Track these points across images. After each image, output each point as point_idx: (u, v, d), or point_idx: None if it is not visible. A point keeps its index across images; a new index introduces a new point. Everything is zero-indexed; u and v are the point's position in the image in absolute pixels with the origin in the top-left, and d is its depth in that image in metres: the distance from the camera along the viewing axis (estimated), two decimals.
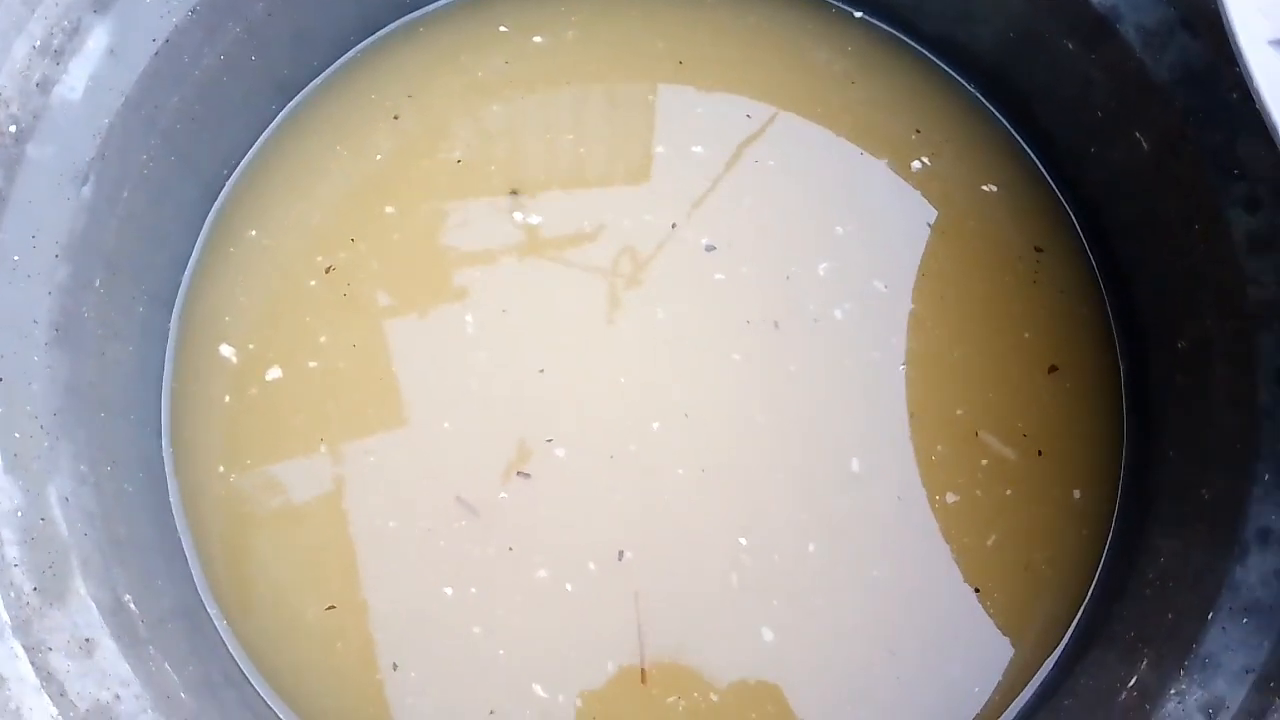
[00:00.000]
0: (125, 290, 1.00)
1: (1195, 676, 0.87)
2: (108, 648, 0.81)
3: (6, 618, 0.75)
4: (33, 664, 0.75)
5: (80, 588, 0.82)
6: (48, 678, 0.76)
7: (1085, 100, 1.12)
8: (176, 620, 0.94)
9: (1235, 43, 0.83)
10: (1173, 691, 0.87)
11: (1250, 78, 0.82)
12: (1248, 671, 0.84)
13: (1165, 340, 1.08)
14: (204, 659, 0.94)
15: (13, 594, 0.77)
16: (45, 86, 0.89)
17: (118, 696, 0.79)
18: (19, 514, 0.81)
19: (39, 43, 0.88)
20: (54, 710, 0.74)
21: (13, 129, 0.87)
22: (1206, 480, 0.98)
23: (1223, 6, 0.84)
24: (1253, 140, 0.98)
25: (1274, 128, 0.80)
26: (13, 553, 0.79)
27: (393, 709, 1.00)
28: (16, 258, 0.87)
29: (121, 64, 0.95)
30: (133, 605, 0.87)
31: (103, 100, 0.94)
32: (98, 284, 0.95)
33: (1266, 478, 0.91)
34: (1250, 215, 0.98)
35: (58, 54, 0.90)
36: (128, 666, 0.81)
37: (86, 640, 0.80)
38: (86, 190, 0.93)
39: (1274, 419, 0.93)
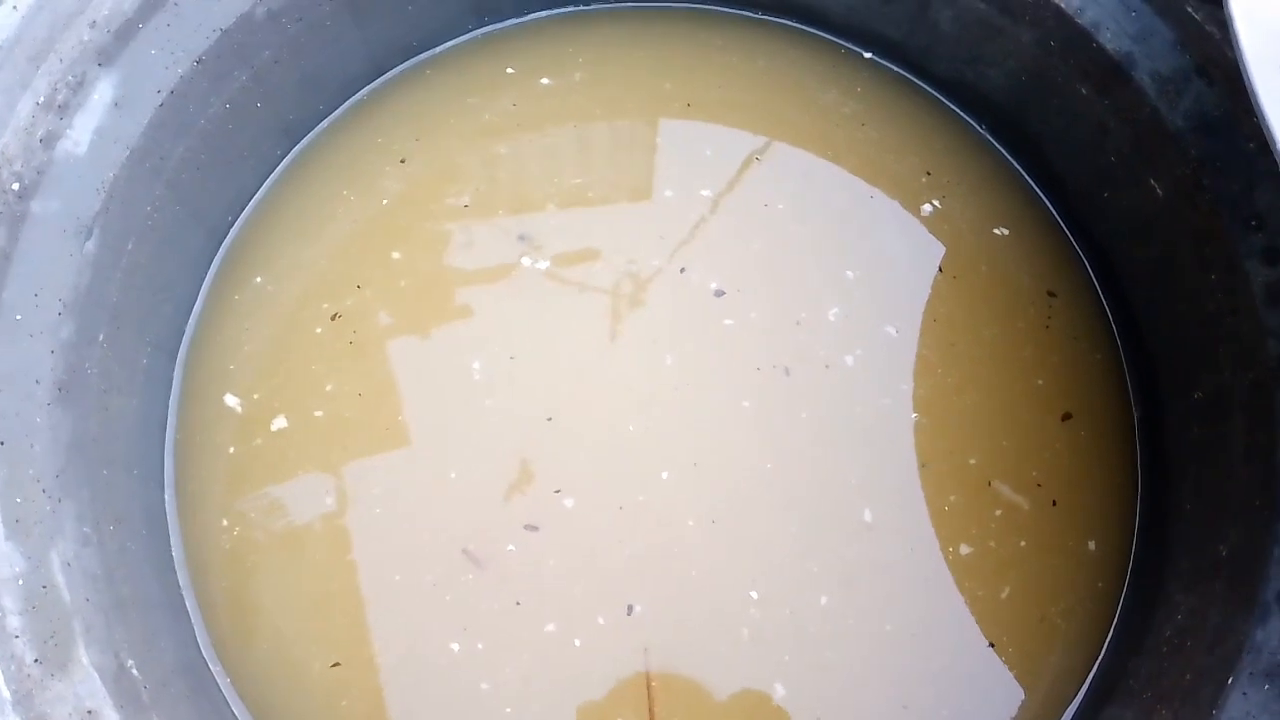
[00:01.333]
0: (129, 342, 0.99)
1: None
2: (110, 719, 0.80)
3: (7, 693, 0.74)
4: None
5: (82, 656, 0.81)
6: None
7: (1099, 145, 1.11)
8: (179, 680, 0.92)
9: (1256, 100, 0.82)
10: None
11: (1271, 135, 0.81)
12: None
13: (1181, 390, 1.06)
14: None
15: (14, 666, 0.76)
16: (49, 141, 0.88)
17: None
18: (20, 581, 0.79)
19: (43, 98, 0.87)
20: None
21: (15, 186, 0.86)
22: (1224, 536, 0.96)
23: (1243, 64, 0.82)
24: (1271, 191, 0.97)
25: None
26: (14, 623, 0.77)
27: None
28: (19, 316, 0.86)
29: (126, 116, 0.94)
30: (135, 670, 0.86)
31: (107, 153, 0.93)
32: (101, 338, 0.94)
33: None
34: (1269, 268, 0.96)
35: (62, 108, 0.89)
36: None
37: (89, 712, 0.79)
38: (90, 245, 0.92)
39: None
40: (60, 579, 0.82)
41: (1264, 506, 0.93)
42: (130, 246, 0.97)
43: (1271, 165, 0.96)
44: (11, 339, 0.85)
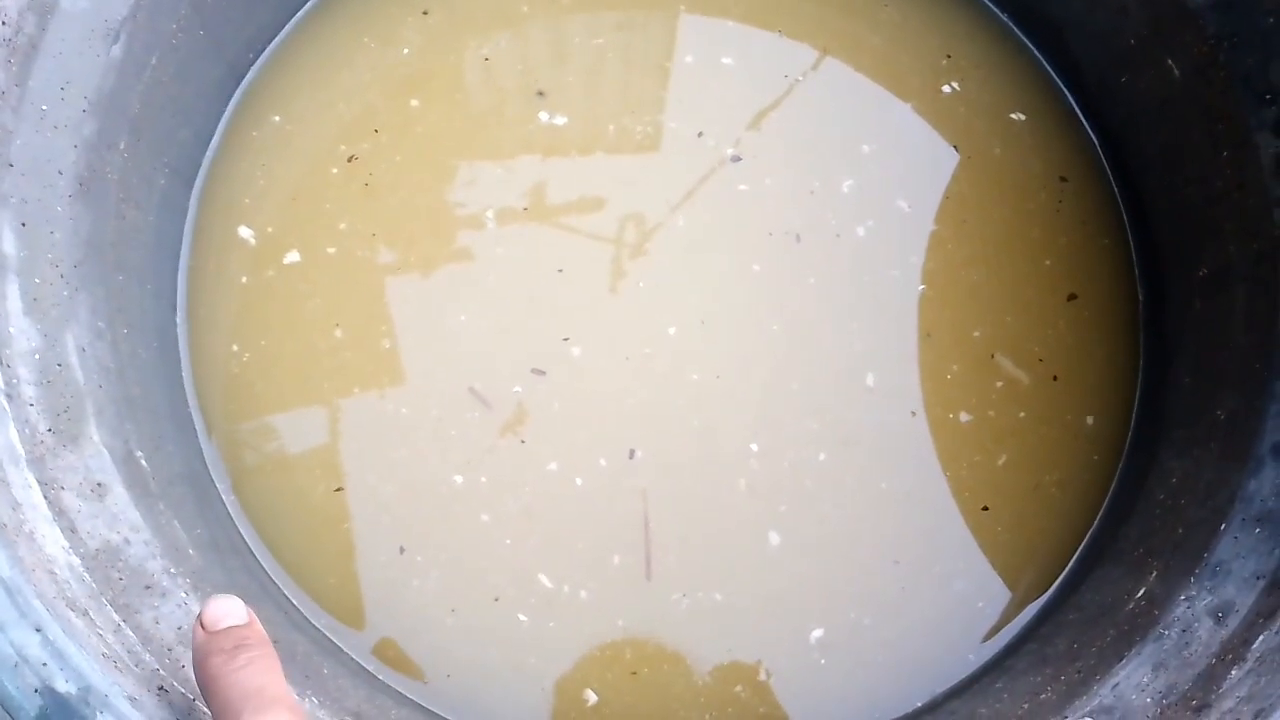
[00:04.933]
0: (147, 159, 0.99)
1: (1205, 583, 0.87)
2: (119, 495, 0.81)
3: (21, 451, 0.75)
4: (45, 498, 0.75)
5: (94, 434, 0.82)
6: (60, 513, 0.75)
7: (1119, 29, 1.12)
8: (184, 485, 0.93)
9: None
10: (1182, 598, 0.87)
11: None
12: (1259, 577, 0.84)
13: (1186, 269, 1.08)
14: (210, 524, 0.94)
15: (28, 430, 0.76)
16: None
17: (128, 540, 0.79)
18: (36, 356, 0.80)
19: None
20: (65, 542, 0.74)
21: None
22: (1222, 402, 0.98)
23: None
24: None
25: None
26: (29, 392, 0.78)
27: (397, 591, 1.00)
28: (45, 107, 0.86)
29: None
30: (144, 462, 0.87)
31: None
32: (122, 147, 0.94)
33: None
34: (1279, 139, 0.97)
35: None
36: (138, 514, 0.81)
37: (98, 485, 0.80)
38: (117, 50, 0.92)
39: None
40: (74, 360, 0.83)
41: (1261, 369, 0.94)
42: (154, 61, 0.97)
43: None
44: (36, 128, 0.85)
